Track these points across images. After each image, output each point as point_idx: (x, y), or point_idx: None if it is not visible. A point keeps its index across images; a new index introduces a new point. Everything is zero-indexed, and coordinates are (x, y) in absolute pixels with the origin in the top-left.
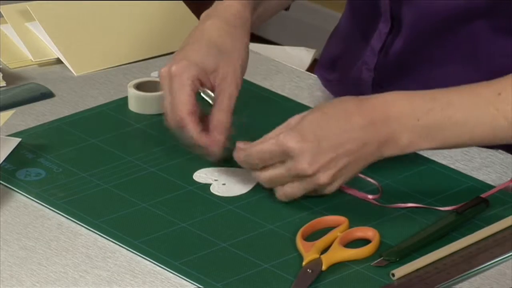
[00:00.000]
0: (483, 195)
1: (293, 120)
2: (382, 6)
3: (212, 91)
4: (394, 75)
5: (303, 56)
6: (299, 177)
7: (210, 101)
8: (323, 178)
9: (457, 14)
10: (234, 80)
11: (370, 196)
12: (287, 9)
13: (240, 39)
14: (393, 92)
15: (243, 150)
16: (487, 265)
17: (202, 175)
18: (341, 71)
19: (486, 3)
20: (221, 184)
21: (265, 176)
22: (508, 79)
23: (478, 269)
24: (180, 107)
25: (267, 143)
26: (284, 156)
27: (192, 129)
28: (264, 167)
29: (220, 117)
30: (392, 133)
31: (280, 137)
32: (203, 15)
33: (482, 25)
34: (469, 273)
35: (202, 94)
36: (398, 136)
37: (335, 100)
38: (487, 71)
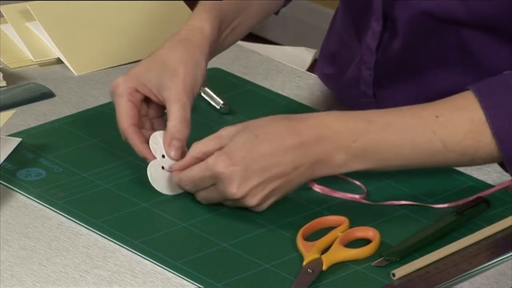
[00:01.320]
0: (482, 194)
1: (224, 132)
2: (374, 4)
3: (161, 106)
4: (394, 75)
5: (303, 56)
6: (229, 200)
7: (211, 102)
8: (252, 200)
9: (453, 16)
10: (184, 92)
11: (357, 196)
12: (276, 13)
13: (190, 54)
14: (328, 112)
15: (176, 173)
16: (488, 265)
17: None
18: (340, 68)
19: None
20: (160, 166)
21: (199, 196)
22: (447, 101)
23: (478, 269)
24: (121, 119)
25: (197, 168)
26: (215, 180)
27: (133, 141)
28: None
29: (174, 131)
30: (325, 153)
31: (209, 161)
32: None
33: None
34: (469, 273)
35: (202, 94)
36: (331, 157)
37: (267, 120)
38: (484, 72)
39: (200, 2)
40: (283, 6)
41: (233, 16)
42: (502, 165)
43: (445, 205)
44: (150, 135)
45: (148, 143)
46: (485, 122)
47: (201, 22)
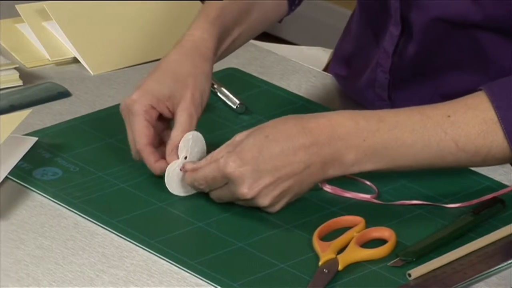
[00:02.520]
0: (497, 193)
1: (238, 137)
2: (392, 8)
3: (170, 118)
4: (409, 78)
5: (319, 56)
6: (241, 200)
7: (228, 101)
8: (263, 201)
9: (468, 20)
10: (192, 103)
11: (368, 196)
12: (280, 21)
13: (198, 66)
14: (339, 111)
15: (190, 174)
16: (504, 265)
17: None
18: (355, 70)
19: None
20: (179, 167)
21: (213, 195)
22: (458, 102)
23: (494, 269)
24: (137, 139)
25: (209, 168)
26: (226, 180)
27: (147, 161)
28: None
29: (177, 140)
30: (336, 152)
31: (221, 162)
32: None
33: (493, 33)
34: (486, 274)
35: (218, 93)
36: (342, 156)
37: (277, 121)
38: (498, 74)
39: (202, 10)
40: (287, 15)
41: (234, 26)
42: None
43: (458, 205)
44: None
45: (161, 159)
46: (497, 122)
47: (203, 33)
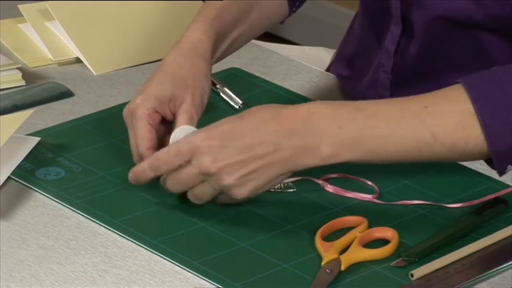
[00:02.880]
0: (499, 193)
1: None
2: (393, 7)
3: (172, 120)
4: (411, 78)
5: (322, 56)
6: (204, 175)
7: (230, 101)
8: (228, 179)
9: (469, 20)
10: (193, 104)
11: (370, 196)
12: (282, 22)
13: (197, 66)
14: (317, 102)
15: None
16: (506, 266)
17: None
18: (357, 71)
19: (497, 11)
20: None
21: (172, 177)
22: (437, 93)
23: (497, 270)
24: (140, 143)
25: (176, 144)
26: (191, 155)
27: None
28: (172, 171)
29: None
30: (311, 141)
31: (188, 136)
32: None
33: (494, 32)
34: (488, 274)
35: (221, 93)
36: (318, 145)
37: (256, 107)
38: None
39: (201, 10)
40: (288, 17)
41: (233, 27)
42: None
43: (459, 205)
44: None
45: None
46: (474, 114)
47: (201, 34)
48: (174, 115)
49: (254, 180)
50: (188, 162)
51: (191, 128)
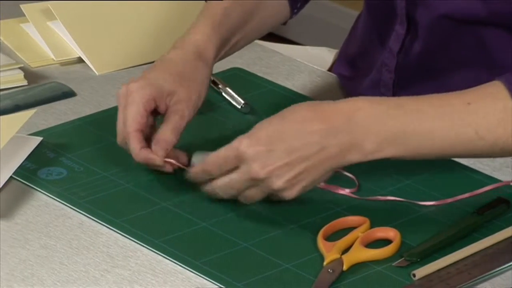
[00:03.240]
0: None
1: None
2: (398, 7)
3: (163, 113)
4: (414, 77)
5: (324, 56)
6: (253, 181)
7: (232, 101)
8: (277, 182)
9: (474, 17)
10: (188, 105)
11: (347, 190)
12: (284, 24)
13: (201, 71)
14: (359, 97)
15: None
16: (508, 266)
17: None
18: (360, 71)
19: (502, 7)
20: None
21: (222, 182)
22: (477, 89)
23: (499, 270)
24: (128, 123)
25: (222, 149)
26: (238, 161)
27: (133, 145)
28: (221, 175)
29: (166, 134)
30: (355, 137)
31: (234, 142)
32: (172, 46)
33: (498, 29)
34: (490, 274)
35: (223, 93)
36: (362, 141)
37: (295, 106)
38: (505, 71)
39: (205, 11)
40: (290, 18)
41: (236, 31)
42: None
43: (432, 203)
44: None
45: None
46: None
47: (206, 38)
48: (167, 109)
49: (303, 181)
50: (237, 168)
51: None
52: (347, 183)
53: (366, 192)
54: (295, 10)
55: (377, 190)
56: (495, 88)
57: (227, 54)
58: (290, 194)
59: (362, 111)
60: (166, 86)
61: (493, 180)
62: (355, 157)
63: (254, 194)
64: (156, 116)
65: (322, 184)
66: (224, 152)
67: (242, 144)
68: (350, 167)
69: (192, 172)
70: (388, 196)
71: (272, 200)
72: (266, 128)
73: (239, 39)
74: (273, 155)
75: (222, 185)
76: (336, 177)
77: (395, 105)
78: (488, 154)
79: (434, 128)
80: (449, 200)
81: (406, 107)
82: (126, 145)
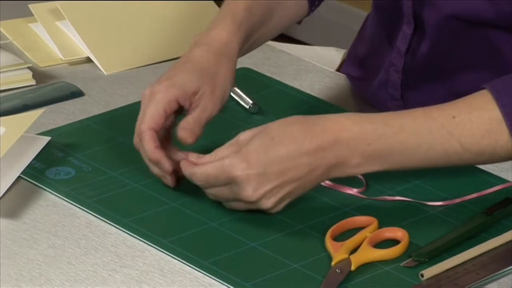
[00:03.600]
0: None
1: (242, 136)
2: (405, 7)
3: (187, 109)
4: (422, 77)
5: (333, 56)
6: (243, 202)
7: (240, 101)
8: (266, 203)
9: (481, 18)
10: (212, 98)
11: (355, 190)
12: (299, 22)
13: (225, 66)
14: (344, 114)
15: (190, 166)
16: None
17: None
18: (368, 72)
19: (509, 9)
20: None
21: (211, 192)
22: (463, 101)
23: (507, 270)
24: (145, 121)
25: (213, 166)
26: (229, 181)
27: (147, 143)
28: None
29: (188, 122)
30: (341, 156)
31: (225, 163)
32: (192, 41)
33: (507, 31)
34: (498, 274)
35: (231, 93)
36: (347, 159)
37: (282, 123)
38: None
39: (227, 8)
40: (306, 16)
41: (257, 29)
42: None
43: (440, 203)
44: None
45: (161, 148)
46: (502, 121)
47: (230, 35)
48: (191, 105)
49: (288, 198)
50: (226, 184)
51: None
52: (355, 182)
53: (374, 192)
54: (313, 8)
55: (384, 190)
56: (481, 98)
57: (245, 52)
58: (276, 210)
59: (346, 132)
60: (190, 86)
61: (502, 180)
62: (339, 173)
63: (239, 206)
64: (180, 114)
65: (329, 183)
66: (214, 171)
67: (235, 168)
68: None
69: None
70: (396, 196)
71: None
72: (259, 151)
73: (258, 37)
74: (265, 178)
75: (209, 192)
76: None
77: (380, 124)
78: (474, 163)
79: (419, 144)
80: (457, 200)
81: (391, 124)
82: (140, 145)
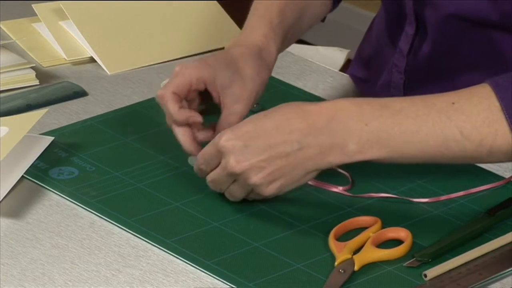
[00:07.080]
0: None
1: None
2: (407, 7)
3: (213, 100)
4: (424, 78)
5: (336, 56)
6: (231, 175)
7: None
8: (253, 178)
9: (482, 18)
10: (242, 106)
11: (340, 188)
12: (323, 20)
13: (260, 72)
14: (342, 99)
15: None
16: None
17: None
18: (373, 72)
19: (510, 8)
20: None
21: (209, 178)
22: (463, 90)
23: (510, 270)
24: (168, 86)
25: (207, 146)
26: (219, 154)
27: (171, 106)
28: (211, 171)
29: (227, 119)
30: (336, 138)
31: (216, 137)
32: (230, 42)
33: (509, 31)
34: (501, 274)
35: None
36: (344, 141)
37: (280, 106)
38: None
39: (261, 10)
40: (330, 12)
41: (289, 31)
42: None
43: (426, 200)
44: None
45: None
46: (501, 110)
47: (269, 40)
48: (220, 101)
49: (281, 178)
50: (219, 162)
51: None
52: (341, 181)
53: (360, 190)
54: (336, 4)
55: (370, 189)
56: (481, 89)
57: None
58: (268, 191)
59: (343, 111)
60: (220, 76)
61: (498, 177)
62: (336, 158)
63: (235, 190)
64: (206, 102)
65: (313, 182)
66: (208, 147)
67: (222, 138)
68: (345, 166)
69: (194, 170)
70: (381, 193)
71: (255, 200)
72: (248, 124)
73: (289, 39)
74: (248, 150)
75: (210, 181)
76: (329, 174)
77: (378, 106)
78: (476, 156)
79: (418, 128)
80: (443, 197)
81: (390, 107)
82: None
